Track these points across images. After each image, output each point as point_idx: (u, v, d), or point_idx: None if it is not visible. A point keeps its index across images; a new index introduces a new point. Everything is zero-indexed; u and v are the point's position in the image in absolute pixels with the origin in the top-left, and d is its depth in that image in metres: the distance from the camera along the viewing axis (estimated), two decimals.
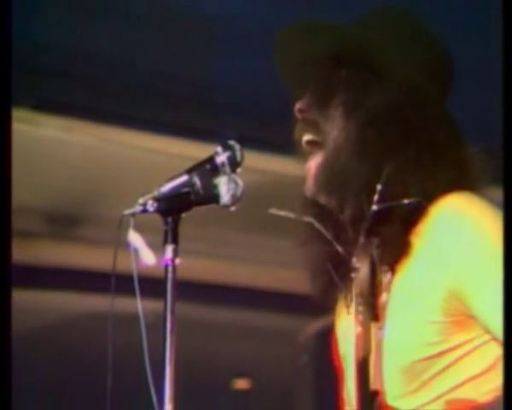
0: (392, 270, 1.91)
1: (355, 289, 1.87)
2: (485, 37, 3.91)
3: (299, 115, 2.04)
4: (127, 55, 4.17)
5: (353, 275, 1.89)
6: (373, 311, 1.84)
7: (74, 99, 4.32)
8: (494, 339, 1.84)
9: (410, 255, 1.89)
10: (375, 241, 1.88)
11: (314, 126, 2.02)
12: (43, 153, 4.61)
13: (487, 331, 1.84)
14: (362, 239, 1.88)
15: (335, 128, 1.98)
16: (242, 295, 5.25)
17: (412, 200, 1.86)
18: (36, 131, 4.44)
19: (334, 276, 1.96)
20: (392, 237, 1.89)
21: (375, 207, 1.86)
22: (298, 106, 2.03)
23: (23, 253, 5.10)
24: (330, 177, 1.97)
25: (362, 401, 1.80)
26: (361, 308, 1.84)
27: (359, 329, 1.84)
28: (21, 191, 4.80)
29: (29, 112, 4.31)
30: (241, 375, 7.36)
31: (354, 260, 1.89)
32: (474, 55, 4.13)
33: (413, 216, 1.89)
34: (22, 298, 5.69)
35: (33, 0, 3.93)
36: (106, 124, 4.42)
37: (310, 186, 2.01)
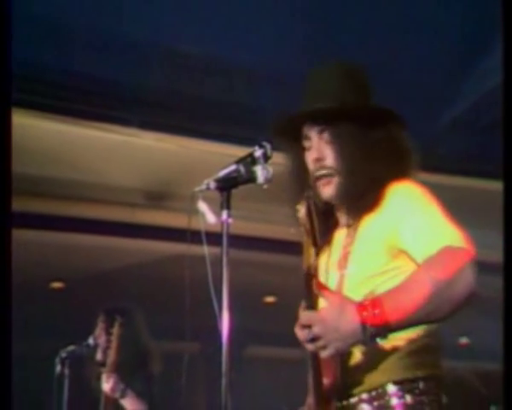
0: (356, 229, 1.86)
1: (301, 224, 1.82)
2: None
3: (316, 161, 1.93)
4: (197, 94, 4.16)
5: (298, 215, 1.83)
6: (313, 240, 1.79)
7: (163, 120, 4.32)
8: (416, 265, 1.77)
9: (367, 220, 1.85)
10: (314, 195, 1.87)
11: (330, 167, 1.92)
12: (144, 156, 4.61)
13: (412, 258, 1.77)
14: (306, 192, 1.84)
15: (346, 163, 1.89)
16: (268, 243, 5.27)
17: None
18: (140, 142, 4.43)
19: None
20: (356, 208, 1.86)
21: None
22: (314, 155, 1.93)
23: (130, 218, 5.14)
24: (346, 194, 1.89)
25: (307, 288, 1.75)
26: (304, 237, 1.80)
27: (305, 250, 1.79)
28: (130, 178, 4.87)
29: (135, 130, 4.30)
30: (269, 293, 7.37)
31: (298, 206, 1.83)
32: None
33: (372, 198, 1.84)
34: (131, 246, 5.78)
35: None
36: (182, 136, 4.42)
37: (329, 198, 1.92)
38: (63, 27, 3.64)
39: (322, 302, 1.71)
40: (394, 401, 1.73)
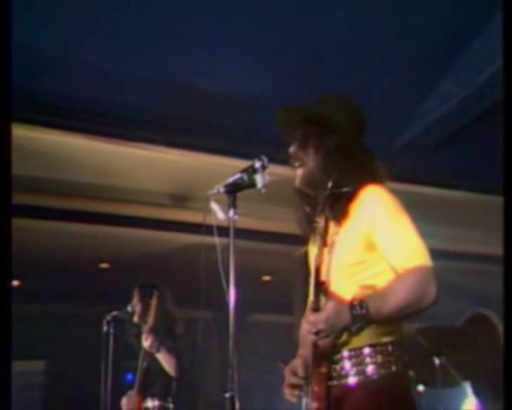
0: (340, 224, 1.79)
1: (318, 233, 1.79)
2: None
3: (291, 153, 1.92)
4: (209, 120, 4.13)
5: (315, 225, 1.81)
6: (324, 242, 1.76)
7: (184, 140, 4.30)
8: (388, 263, 1.73)
9: (348, 216, 1.78)
10: (328, 209, 1.79)
11: (299, 158, 1.89)
12: (170, 168, 4.57)
13: (383, 256, 1.73)
14: (320, 208, 1.80)
15: (310, 158, 1.87)
16: (266, 235, 5.24)
17: (347, 189, 1.77)
18: (166, 157, 4.37)
19: (306, 226, 1.90)
20: (339, 208, 1.78)
21: (327, 193, 1.77)
22: (290, 149, 1.92)
23: (159, 215, 5.13)
24: (307, 181, 1.87)
25: (316, 287, 1.74)
26: (318, 241, 1.77)
27: (316, 251, 1.76)
28: (159, 184, 4.86)
29: (163, 148, 4.28)
30: (267, 273, 7.31)
31: (316, 218, 1.81)
32: None
33: (349, 197, 1.78)
34: (160, 237, 5.75)
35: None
36: (199, 152, 4.38)
37: (297, 184, 1.91)
38: (103, 66, 3.65)
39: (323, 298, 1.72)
40: (368, 360, 1.71)
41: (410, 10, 3.44)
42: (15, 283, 6.61)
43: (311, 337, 1.69)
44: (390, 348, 1.72)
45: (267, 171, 1.88)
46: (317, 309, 1.70)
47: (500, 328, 3.10)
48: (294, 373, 1.84)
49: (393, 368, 1.70)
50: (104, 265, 6.70)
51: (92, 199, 4.87)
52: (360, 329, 1.65)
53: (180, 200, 4.93)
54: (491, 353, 3.00)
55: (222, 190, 1.86)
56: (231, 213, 1.85)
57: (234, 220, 1.84)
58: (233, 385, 1.75)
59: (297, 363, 1.86)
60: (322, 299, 1.71)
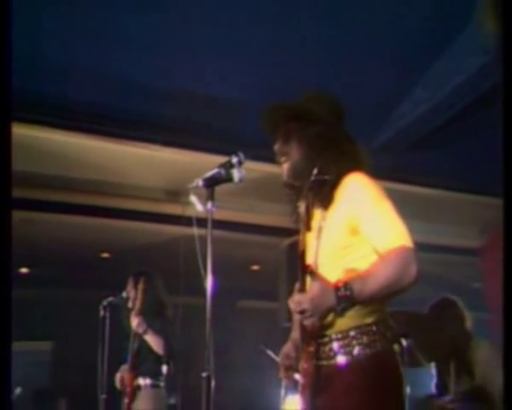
0: (325, 209, 1.75)
1: (300, 218, 1.76)
2: None
3: (276, 150, 1.87)
4: (199, 122, 4.07)
5: (299, 211, 1.77)
6: (307, 227, 1.73)
7: (178, 140, 4.26)
8: (372, 246, 1.69)
9: (333, 202, 1.74)
10: (313, 195, 1.74)
11: (284, 153, 1.85)
12: (165, 165, 4.51)
13: (367, 239, 1.69)
14: (303, 194, 1.75)
15: (293, 150, 1.82)
16: (252, 228, 5.18)
17: (328, 177, 1.73)
18: (162, 155, 4.32)
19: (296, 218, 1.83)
20: (325, 194, 1.75)
21: (312, 178, 1.73)
22: (275, 147, 1.87)
23: (154, 208, 5.08)
24: (294, 173, 1.82)
25: (301, 270, 1.69)
26: (302, 226, 1.73)
27: (301, 237, 1.72)
28: (154, 180, 4.82)
29: (159, 146, 4.22)
30: (254, 263, 7.26)
31: (299, 204, 1.77)
32: None
33: (334, 183, 1.74)
34: (155, 228, 5.65)
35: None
36: (192, 150, 4.33)
37: (285, 178, 1.85)
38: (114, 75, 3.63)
39: (309, 280, 1.67)
40: (354, 342, 1.68)
41: (386, 20, 3.40)
42: (24, 270, 6.59)
43: (297, 317, 1.66)
44: (374, 327, 1.69)
45: (243, 166, 1.85)
46: (302, 289, 1.66)
47: (465, 312, 3.10)
48: (287, 356, 1.84)
49: (379, 347, 1.67)
50: (105, 254, 6.67)
51: (94, 194, 4.85)
52: (345, 309, 1.62)
53: (175, 195, 4.88)
54: (452, 335, 2.99)
55: (200, 183, 1.83)
56: (209, 204, 1.82)
57: (212, 212, 1.81)
58: (209, 365, 1.72)
59: (288, 346, 1.86)
60: (309, 282, 1.67)
